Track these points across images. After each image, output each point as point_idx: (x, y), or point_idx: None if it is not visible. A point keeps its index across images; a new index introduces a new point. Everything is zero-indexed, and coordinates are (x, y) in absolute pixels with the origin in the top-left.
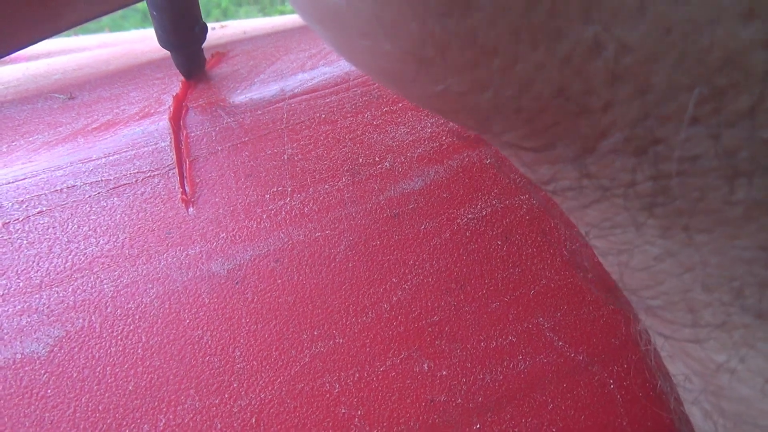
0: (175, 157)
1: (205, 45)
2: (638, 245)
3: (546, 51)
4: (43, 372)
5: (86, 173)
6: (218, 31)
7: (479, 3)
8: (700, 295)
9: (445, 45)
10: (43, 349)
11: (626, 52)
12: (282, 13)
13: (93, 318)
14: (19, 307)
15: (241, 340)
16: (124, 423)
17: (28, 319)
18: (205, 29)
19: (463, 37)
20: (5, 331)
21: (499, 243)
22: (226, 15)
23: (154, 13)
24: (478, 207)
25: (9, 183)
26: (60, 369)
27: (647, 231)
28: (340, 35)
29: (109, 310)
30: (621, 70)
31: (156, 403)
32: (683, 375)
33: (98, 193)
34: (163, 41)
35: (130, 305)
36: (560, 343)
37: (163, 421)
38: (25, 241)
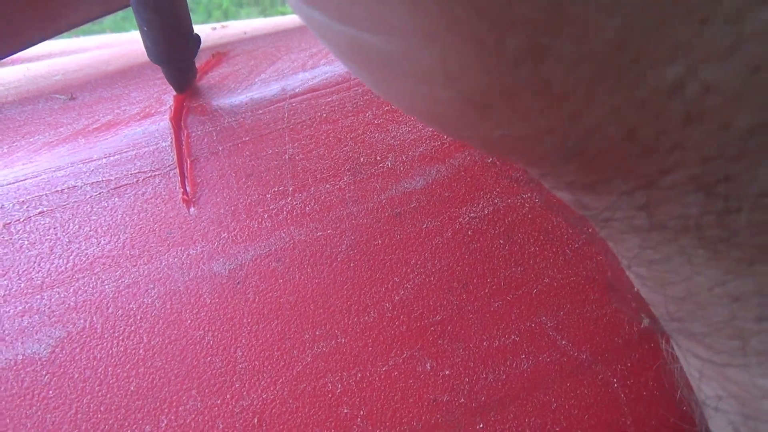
0: (176, 157)
1: (205, 45)
2: (687, 275)
3: (623, 95)
4: (44, 373)
5: (87, 173)
6: (219, 31)
7: (559, 52)
8: (750, 323)
9: (513, 92)
10: (45, 349)
11: (709, 93)
12: (283, 14)
13: (94, 318)
14: (20, 307)
15: (243, 340)
16: (126, 424)
17: (30, 320)
18: (198, 42)
19: (535, 84)
20: (7, 331)
21: (501, 242)
22: (227, 16)
23: (144, 27)
24: (480, 206)
25: (10, 183)
26: (61, 370)
27: (697, 261)
28: (387, 79)
29: (110, 310)
30: (700, 111)
31: (158, 404)
32: (717, 396)
33: (99, 193)
34: (154, 56)
35: (131, 306)
36: (563, 342)
37: (165, 421)
38: (26, 242)
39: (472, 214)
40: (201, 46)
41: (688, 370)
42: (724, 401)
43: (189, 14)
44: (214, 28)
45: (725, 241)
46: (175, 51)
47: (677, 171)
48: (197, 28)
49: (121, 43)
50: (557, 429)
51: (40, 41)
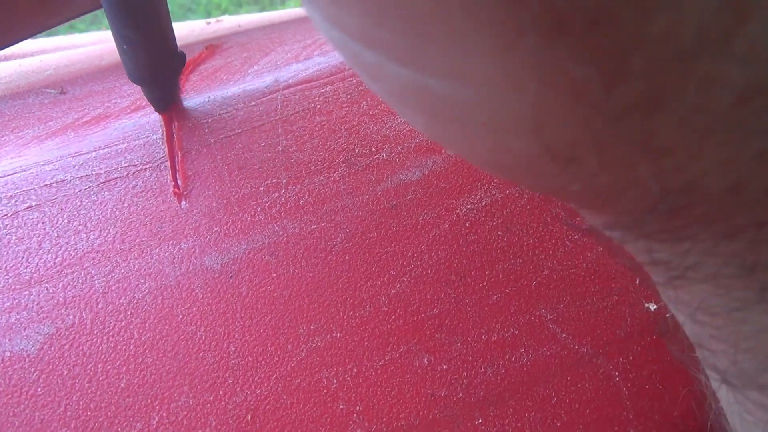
0: (167, 149)
1: (199, 39)
2: (765, 326)
3: (736, 148)
4: (33, 370)
5: (76, 167)
6: (213, 25)
7: (674, 105)
8: None
9: (607, 146)
10: (33, 346)
11: None
12: None
13: (84, 314)
14: (8, 304)
15: (236, 336)
16: (116, 421)
17: (18, 316)
18: (183, 59)
19: (635, 138)
20: None
21: (499, 234)
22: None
23: (125, 46)
24: (478, 197)
25: None
26: (50, 367)
27: None
28: (449, 126)
29: (100, 306)
30: None
31: (149, 401)
32: None
33: (88, 187)
34: (135, 77)
35: (121, 301)
36: (563, 335)
37: (156, 418)
38: (14, 237)
39: (469, 206)
40: (195, 39)
41: (741, 415)
42: None
43: (173, 29)
44: (209, 22)
45: None
46: (158, 71)
47: None
48: (193, 24)
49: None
50: (558, 424)
51: (33, 35)
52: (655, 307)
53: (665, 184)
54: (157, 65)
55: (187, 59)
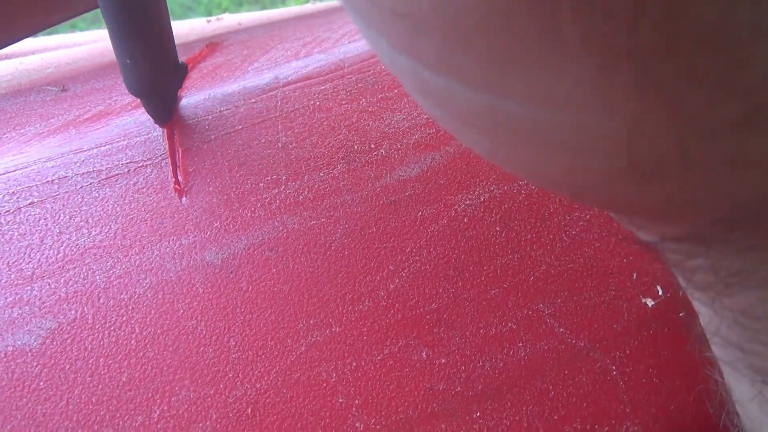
0: (167, 146)
1: (200, 37)
2: None
3: None
4: (35, 364)
5: (78, 164)
6: (214, 23)
7: None
8: None
9: (695, 161)
10: (35, 341)
11: None
12: None
13: (85, 309)
14: (10, 299)
15: (236, 330)
16: (118, 414)
17: (20, 311)
18: (184, 71)
19: (726, 153)
20: None
21: (497, 229)
22: None
23: (128, 61)
24: (476, 193)
25: (0, 175)
26: (52, 361)
27: None
28: (522, 148)
29: (101, 301)
30: None
31: (150, 394)
32: None
33: (90, 183)
34: (136, 90)
35: (123, 296)
36: (561, 330)
37: (158, 412)
38: (16, 233)
39: (468, 202)
40: (195, 37)
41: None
42: None
43: (174, 41)
44: (209, 21)
45: None
46: (160, 84)
47: None
48: (193, 23)
49: None
50: (555, 417)
51: (34, 33)
52: (652, 303)
53: (745, 196)
54: (159, 78)
55: (188, 57)
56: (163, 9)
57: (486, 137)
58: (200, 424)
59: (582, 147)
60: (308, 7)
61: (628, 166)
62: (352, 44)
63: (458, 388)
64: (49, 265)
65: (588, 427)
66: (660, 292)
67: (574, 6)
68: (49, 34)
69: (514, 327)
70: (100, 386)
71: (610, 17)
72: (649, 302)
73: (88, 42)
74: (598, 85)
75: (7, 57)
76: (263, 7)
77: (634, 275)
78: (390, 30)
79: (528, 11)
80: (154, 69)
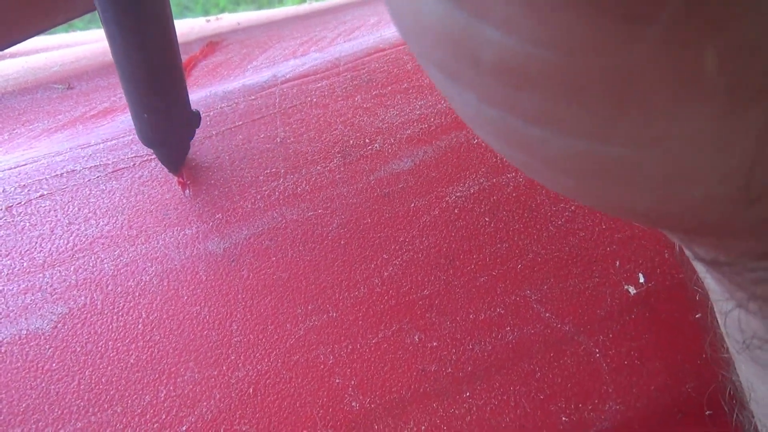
0: None
1: (199, 36)
2: None
3: None
4: (48, 347)
5: (85, 158)
6: (213, 23)
7: None
8: None
9: None
10: (48, 325)
11: None
12: None
13: (95, 295)
14: (23, 285)
15: (238, 315)
16: (127, 394)
17: (33, 297)
18: (198, 119)
19: None
20: (11, 308)
21: (486, 219)
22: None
23: (145, 115)
24: (467, 185)
25: (11, 168)
26: (64, 344)
27: None
28: (612, 188)
29: (110, 287)
30: None
31: (157, 375)
32: None
33: (97, 176)
34: (150, 141)
35: (130, 283)
36: (547, 315)
37: (164, 392)
38: (27, 224)
39: (458, 193)
40: (195, 36)
41: None
42: None
43: (187, 91)
44: (209, 20)
45: None
46: (175, 134)
47: None
48: (193, 23)
49: None
50: (541, 397)
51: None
52: (634, 290)
53: None
54: (174, 130)
55: (188, 56)
56: (178, 61)
57: (571, 178)
58: (204, 403)
59: (689, 178)
60: (305, 7)
61: (742, 192)
62: (347, 43)
63: (449, 370)
64: (60, 253)
65: (572, 406)
66: (641, 280)
67: (720, 52)
68: (49, 33)
69: (503, 312)
70: (109, 367)
71: (754, 56)
72: (631, 289)
73: (90, 41)
74: (728, 123)
75: (12, 56)
76: (260, 7)
77: (617, 263)
78: (482, 84)
79: (664, 62)
80: (170, 121)
